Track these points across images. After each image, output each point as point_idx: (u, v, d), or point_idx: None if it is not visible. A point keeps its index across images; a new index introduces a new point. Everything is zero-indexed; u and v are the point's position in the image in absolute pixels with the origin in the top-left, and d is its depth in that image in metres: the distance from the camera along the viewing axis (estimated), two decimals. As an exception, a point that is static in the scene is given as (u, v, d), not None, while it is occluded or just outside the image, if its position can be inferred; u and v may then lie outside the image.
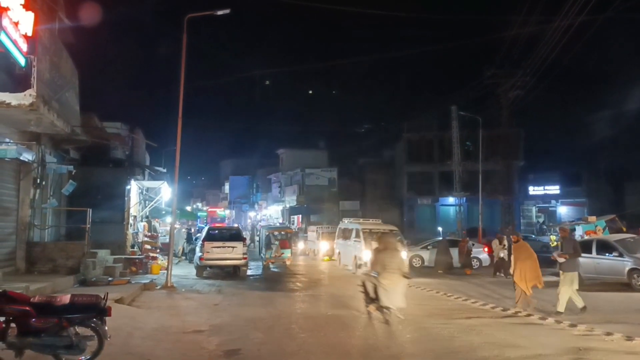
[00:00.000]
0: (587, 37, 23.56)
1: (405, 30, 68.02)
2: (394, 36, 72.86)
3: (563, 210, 42.65)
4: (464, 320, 9.89)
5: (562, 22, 19.65)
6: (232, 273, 18.33)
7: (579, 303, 10.51)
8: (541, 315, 10.26)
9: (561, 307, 10.43)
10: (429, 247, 22.54)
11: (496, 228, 30.34)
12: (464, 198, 38.03)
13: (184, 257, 24.92)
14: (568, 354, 7.17)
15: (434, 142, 42.55)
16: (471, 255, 21.43)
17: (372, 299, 9.22)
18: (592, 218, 23.85)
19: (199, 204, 80.00)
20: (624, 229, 21.88)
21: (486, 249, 22.40)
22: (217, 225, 28.62)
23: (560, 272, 10.78)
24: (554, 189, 43.11)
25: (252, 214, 67.62)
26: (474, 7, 67.64)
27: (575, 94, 44.63)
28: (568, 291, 10.48)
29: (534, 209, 44.65)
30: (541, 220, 42.82)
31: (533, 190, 43.85)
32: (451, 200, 39.79)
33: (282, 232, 23.67)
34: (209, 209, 66.97)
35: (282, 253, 21.21)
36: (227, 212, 68.56)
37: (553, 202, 43.48)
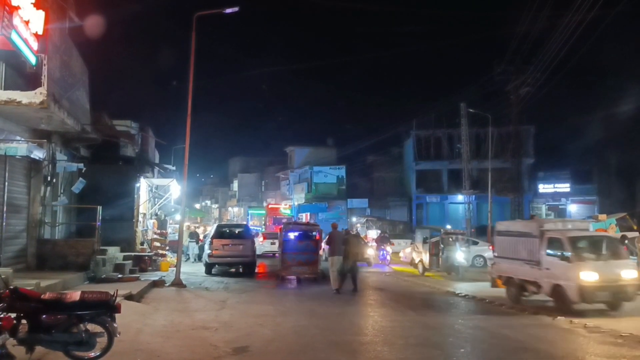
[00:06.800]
0: (599, 33, 23.29)
1: (414, 27, 67.75)
2: (403, 33, 72.60)
3: (573, 209, 42.22)
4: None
5: (573, 18, 19.47)
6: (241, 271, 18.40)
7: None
8: None
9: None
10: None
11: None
12: (473, 196, 37.78)
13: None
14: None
15: (443, 140, 42.34)
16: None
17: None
18: (603, 216, 23.65)
19: (208, 202, 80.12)
20: (635, 227, 21.67)
21: (491, 247, 22.06)
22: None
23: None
24: (564, 187, 42.70)
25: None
26: (484, 3, 67.21)
27: (586, 90, 44.22)
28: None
29: (543, 207, 44.19)
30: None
31: (543, 188, 43.44)
32: (460, 198, 39.53)
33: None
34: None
35: None
36: (236, 209, 66.61)
37: (563, 200, 43.07)
